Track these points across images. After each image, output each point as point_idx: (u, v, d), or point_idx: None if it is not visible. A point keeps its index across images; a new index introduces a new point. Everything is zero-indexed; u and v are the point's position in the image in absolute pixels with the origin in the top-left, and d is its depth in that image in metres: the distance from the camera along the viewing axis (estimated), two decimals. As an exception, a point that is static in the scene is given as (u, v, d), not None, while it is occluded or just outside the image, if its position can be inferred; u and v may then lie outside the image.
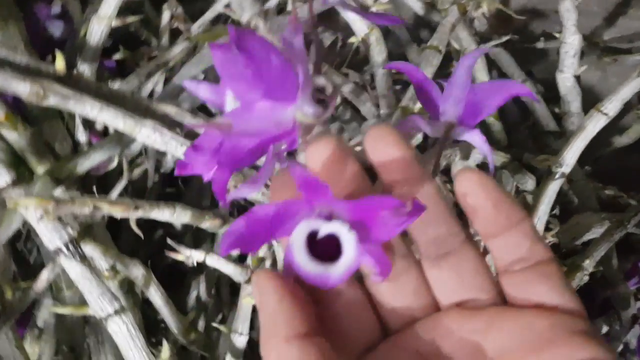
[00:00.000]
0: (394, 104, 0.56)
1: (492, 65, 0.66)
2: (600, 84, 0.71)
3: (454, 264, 0.27)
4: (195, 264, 0.58)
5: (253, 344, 0.56)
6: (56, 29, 0.55)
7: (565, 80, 0.59)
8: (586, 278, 0.53)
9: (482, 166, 0.62)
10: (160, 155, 0.58)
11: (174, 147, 0.42)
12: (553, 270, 0.27)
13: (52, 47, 0.47)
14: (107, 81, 0.51)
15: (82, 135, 0.47)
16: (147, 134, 0.41)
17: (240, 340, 0.46)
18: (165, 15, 0.58)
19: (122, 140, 0.45)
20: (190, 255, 0.39)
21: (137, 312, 0.45)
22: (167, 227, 0.61)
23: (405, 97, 0.53)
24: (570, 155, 0.45)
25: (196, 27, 0.55)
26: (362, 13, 0.46)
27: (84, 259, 0.38)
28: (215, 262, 0.40)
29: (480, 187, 0.27)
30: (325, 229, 0.26)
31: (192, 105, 0.51)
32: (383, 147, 0.27)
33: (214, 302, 0.54)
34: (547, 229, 0.48)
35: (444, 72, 0.62)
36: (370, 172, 0.30)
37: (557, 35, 0.58)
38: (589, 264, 0.52)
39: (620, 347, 0.58)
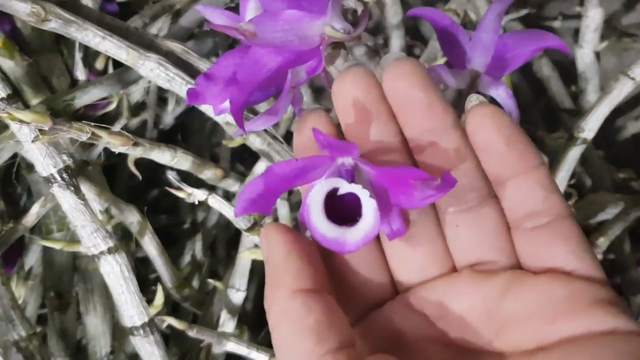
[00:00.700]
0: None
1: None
2: (617, 70, 0.70)
3: (473, 221, 0.25)
4: (196, 221, 0.56)
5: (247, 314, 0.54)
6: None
7: (584, 56, 0.58)
8: (600, 257, 0.51)
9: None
10: (159, 110, 0.55)
11: (178, 85, 0.40)
12: (570, 229, 0.24)
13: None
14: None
15: (81, 73, 0.45)
16: (150, 67, 0.39)
17: (237, 297, 0.43)
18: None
19: (123, 78, 0.43)
20: (192, 193, 0.36)
21: (131, 261, 0.42)
22: (163, 186, 0.58)
23: (420, 59, 0.51)
24: (593, 120, 0.43)
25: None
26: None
27: (78, 190, 0.35)
28: (217, 203, 0.37)
29: (492, 121, 0.24)
30: (346, 188, 0.24)
31: (200, 51, 0.48)
32: (405, 87, 0.25)
33: (209, 263, 0.51)
34: (566, 198, 0.46)
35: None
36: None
37: (578, 9, 0.57)
38: (603, 242, 0.50)
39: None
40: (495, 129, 0.24)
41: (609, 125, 0.65)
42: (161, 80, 0.39)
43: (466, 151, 0.25)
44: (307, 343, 0.22)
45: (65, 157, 0.35)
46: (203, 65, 0.42)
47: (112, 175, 0.54)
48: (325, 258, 0.26)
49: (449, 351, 0.25)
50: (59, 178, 0.35)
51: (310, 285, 0.23)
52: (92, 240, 0.36)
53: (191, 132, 0.57)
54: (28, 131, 0.33)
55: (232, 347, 0.41)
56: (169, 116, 0.55)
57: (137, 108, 0.51)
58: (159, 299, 0.39)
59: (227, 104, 0.31)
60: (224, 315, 0.43)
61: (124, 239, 0.44)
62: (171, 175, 0.42)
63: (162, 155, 0.41)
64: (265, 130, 0.44)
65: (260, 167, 0.46)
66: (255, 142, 0.43)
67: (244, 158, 0.60)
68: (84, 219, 0.36)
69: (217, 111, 0.32)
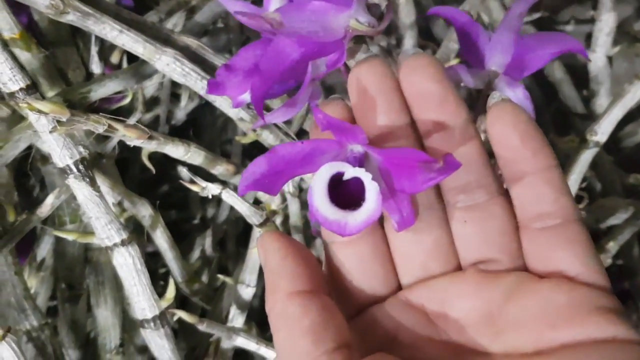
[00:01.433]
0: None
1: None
2: (628, 75, 0.70)
3: (480, 218, 0.25)
4: (206, 217, 0.56)
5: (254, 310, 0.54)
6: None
7: (597, 60, 0.58)
8: (609, 261, 0.51)
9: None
10: (172, 106, 0.56)
11: (193, 80, 0.40)
12: (578, 233, 0.24)
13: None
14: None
15: (96, 67, 0.45)
16: (166, 62, 0.39)
17: (247, 292, 0.44)
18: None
19: (138, 72, 0.43)
20: (206, 187, 0.36)
21: (143, 254, 0.43)
22: (173, 181, 0.59)
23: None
24: (607, 124, 0.43)
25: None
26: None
27: (93, 181, 0.35)
28: (230, 198, 0.37)
29: (510, 116, 0.24)
30: (350, 173, 0.24)
31: (215, 47, 0.49)
32: (420, 81, 0.25)
33: (219, 258, 0.51)
34: (577, 201, 0.46)
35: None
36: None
37: (591, 13, 0.57)
38: (612, 247, 0.50)
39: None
40: (512, 124, 0.24)
41: (620, 131, 0.65)
42: (177, 75, 0.40)
43: (478, 147, 0.25)
44: (304, 344, 0.23)
45: (81, 149, 0.35)
46: (218, 60, 0.42)
47: (123, 169, 0.54)
48: (328, 251, 0.26)
49: (446, 350, 0.25)
50: (75, 169, 0.35)
51: (306, 286, 0.24)
52: (106, 232, 0.36)
53: (203, 128, 0.57)
54: (46, 122, 0.34)
55: (242, 342, 0.41)
56: (181, 112, 0.55)
57: (150, 103, 0.52)
58: (171, 292, 0.39)
59: (245, 95, 0.31)
60: (234, 311, 0.44)
61: (135, 232, 0.44)
62: (184, 173, 0.42)
63: (175, 150, 0.41)
64: (278, 127, 0.44)
65: (273, 163, 0.46)
66: (268, 139, 0.44)
67: (255, 155, 0.60)
68: (98, 211, 0.36)
69: (235, 103, 0.32)
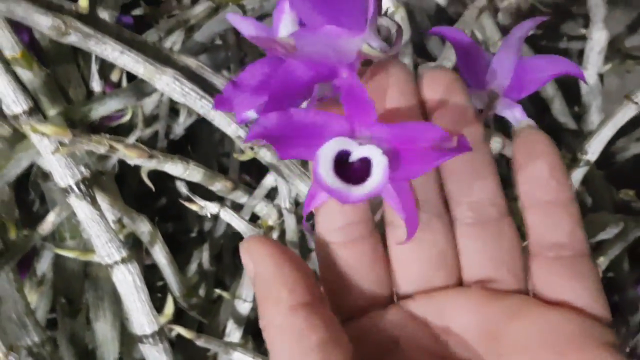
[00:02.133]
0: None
1: (512, 61, 0.65)
2: (619, 91, 0.71)
3: (489, 236, 0.26)
4: (203, 230, 0.57)
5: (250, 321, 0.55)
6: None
7: (589, 78, 0.58)
8: (599, 274, 0.52)
9: (499, 162, 0.61)
10: (171, 121, 0.56)
11: (192, 100, 0.41)
12: (589, 267, 0.25)
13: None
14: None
15: (97, 85, 0.46)
16: (167, 82, 0.40)
17: (244, 307, 0.44)
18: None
19: (139, 90, 0.44)
20: (204, 206, 0.37)
21: (142, 270, 0.43)
22: (171, 194, 0.59)
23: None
24: (597, 143, 0.44)
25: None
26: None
27: (94, 200, 0.36)
28: (228, 216, 0.38)
29: (541, 146, 0.25)
30: (358, 152, 0.24)
31: (213, 64, 0.49)
32: (444, 92, 0.25)
33: (216, 271, 0.52)
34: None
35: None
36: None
37: (583, 31, 0.58)
38: (603, 261, 0.51)
39: (627, 351, 0.56)
40: (542, 154, 0.25)
41: (611, 146, 0.66)
42: (176, 95, 0.40)
43: (492, 165, 0.25)
44: None
45: (83, 169, 0.36)
46: (217, 80, 0.43)
47: (120, 183, 0.54)
48: (323, 251, 0.26)
49: None
50: (76, 189, 0.36)
51: (308, 298, 0.23)
52: (106, 249, 0.37)
53: (200, 141, 0.58)
54: (48, 143, 0.34)
55: (239, 357, 0.42)
56: (180, 127, 0.56)
57: (150, 119, 0.52)
58: (169, 308, 0.40)
59: (250, 112, 0.32)
60: (231, 325, 0.44)
61: (134, 247, 0.45)
62: (183, 188, 0.43)
63: (175, 167, 0.42)
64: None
65: (269, 180, 0.47)
66: (266, 156, 0.44)
67: (252, 170, 0.61)
68: (99, 229, 0.37)
69: (240, 119, 0.33)
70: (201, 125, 0.58)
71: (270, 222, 0.48)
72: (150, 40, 0.46)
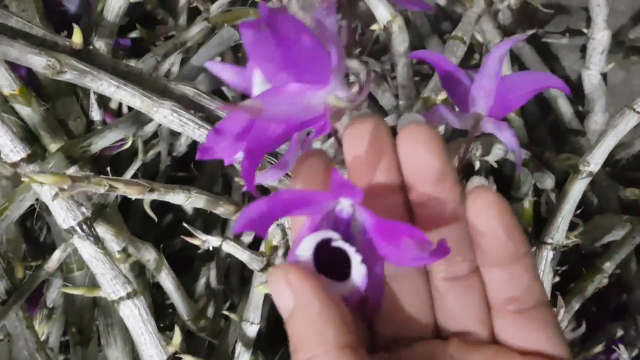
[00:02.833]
0: (414, 95, 0.55)
1: (514, 60, 0.64)
2: (624, 84, 0.70)
3: (462, 290, 0.26)
4: (209, 248, 0.57)
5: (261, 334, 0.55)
6: (72, 4, 0.54)
7: (592, 78, 0.58)
8: (605, 281, 0.52)
9: (503, 162, 0.61)
10: (173, 139, 0.57)
11: (190, 129, 0.41)
12: (550, 315, 0.26)
13: (67, 22, 0.46)
14: (122, 60, 0.50)
15: (96, 114, 0.46)
16: (164, 114, 0.40)
17: (252, 330, 0.45)
18: (184, -5, 0.56)
19: (137, 120, 0.44)
20: (206, 240, 0.38)
21: (147, 296, 0.44)
22: (177, 212, 0.60)
23: (427, 88, 0.52)
24: (599, 154, 0.44)
25: (215, 8, 0.54)
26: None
27: (97, 240, 0.37)
28: (230, 248, 0.39)
29: (495, 210, 0.25)
30: (338, 243, 0.24)
31: (210, 87, 0.49)
32: (421, 153, 0.25)
33: (223, 290, 0.53)
34: (571, 228, 0.47)
35: (465, 65, 0.61)
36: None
37: (584, 30, 0.57)
38: (609, 267, 0.51)
39: (635, 352, 0.56)
40: (498, 219, 0.25)
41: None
42: (175, 125, 0.41)
43: (465, 225, 0.26)
44: None
45: (84, 209, 0.36)
46: (215, 105, 0.43)
47: (126, 204, 0.55)
48: None
49: None
50: (79, 230, 0.36)
51: (353, 340, 0.22)
52: (111, 286, 0.38)
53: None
54: (48, 189, 0.35)
55: (249, 380, 0.43)
56: (182, 144, 0.56)
57: (151, 137, 0.53)
58: (177, 338, 0.41)
59: (237, 156, 0.32)
60: (239, 348, 0.45)
61: (141, 275, 0.46)
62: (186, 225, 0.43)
63: (177, 197, 0.42)
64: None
65: (272, 202, 0.47)
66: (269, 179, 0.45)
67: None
68: (103, 267, 0.37)
69: (227, 162, 0.33)
70: (203, 141, 0.58)
71: (275, 242, 0.48)
72: (146, 68, 0.46)
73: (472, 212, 0.25)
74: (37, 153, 0.37)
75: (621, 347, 0.47)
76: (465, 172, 0.54)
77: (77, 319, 0.44)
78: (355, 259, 0.24)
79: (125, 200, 0.49)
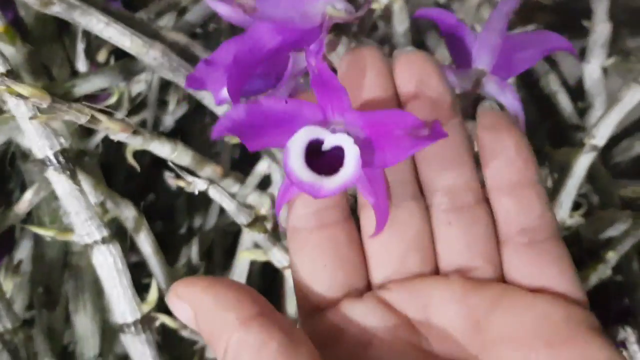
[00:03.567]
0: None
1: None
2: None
3: (465, 223, 0.25)
4: (192, 227, 0.54)
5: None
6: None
7: (592, 72, 0.57)
8: (608, 272, 0.50)
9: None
10: (160, 112, 0.54)
11: (181, 76, 0.39)
12: (562, 250, 0.24)
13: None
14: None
15: (82, 65, 0.44)
16: (154, 56, 0.38)
17: (234, 299, 0.42)
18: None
19: (125, 69, 0.42)
20: (192, 182, 0.35)
21: (126, 254, 0.41)
22: (160, 189, 0.57)
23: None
24: (604, 128, 0.43)
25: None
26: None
27: (74, 174, 0.34)
28: (217, 194, 0.36)
29: (505, 125, 0.24)
30: (330, 140, 0.23)
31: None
32: (418, 74, 0.24)
33: (206, 266, 0.49)
34: (575, 208, 0.45)
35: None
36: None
37: (585, 24, 0.56)
38: (612, 257, 0.49)
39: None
40: (507, 133, 0.24)
41: (615, 146, 0.64)
42: (165, 70, 0.39)
43: (468, 150, 0.25)
44: None
45: (62, 140, 0.34)
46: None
47: (107, 179, 0.52)
48: (295, 238, 0.25)
49: (428, 359, 0.23)
50: (54, 160, 0.33)
51: (257, 310, 0.22)
52: (85, 228, 0.35)
53: (191, 136, 0.56)
54: (26, 109, 0.32)
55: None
56: (169, 118, 0.54)
57: (137, 106, 0.50)
58: (153, 294, 0.37)
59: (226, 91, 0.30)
60: (220, 318, 0.42)
61: (118, 237, 0.43)
62: (170, 170, 0.40)
63: (162, 148, 0.39)
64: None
65: (263, 166, 0.45)
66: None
67: (243, 168, 0.58)
68: (78, 205, 0.34)
69: (218, 99, 0.31)
70: (193, 118, 0.56)
71: (263, 211, 0.45)
72: (138, 17, 0.44)
73: (481, 130, 0.25)
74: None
75: (636, 346, 0.44)
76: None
77: (45, 278, 0.41)
78: (347, 142, 0.23)
79: (104, 174, 0.46)
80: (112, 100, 0.43)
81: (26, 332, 0.37)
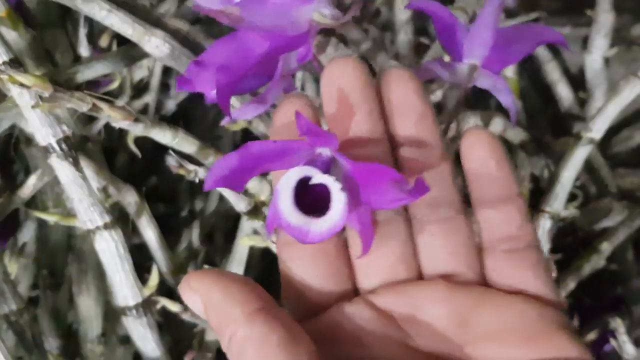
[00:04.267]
0: (414, 65, 0.54)
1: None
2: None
3: (447, 233, 0.26)
4: (194, 211, 0.55)
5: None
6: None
7: (594, 62, 0.57)
8: (602, 262, 0.50)
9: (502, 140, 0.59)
10: (162, 96, 0.55)
11: (183, 64, 0.39)
12: (539, 258, 0.27)
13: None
14: None
15: (84, 50, 0.44)
16: (156, 44, 0.38)
17: (233, 284, 0.42)
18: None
19: (127, 55, 0.42)
20: (194, 170, 0.36)
21: (128, 240, 0.41)
22: (162, 173, 0.58)
23: (426, 56, 0.51)
24: (602, 120, 0.43)
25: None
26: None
27: (76, 161, 0.34)
28: (218, 184, 0.37)
29: (487, 144, 0.26)
30: (318, 178, 0.23)
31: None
32: (403, 93, 0.26)
33: (206, 250, 0.50)
34: (571, 199, 0.45)
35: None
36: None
37: (588, 12, 0.56)
38: (606, 248, 0.50)
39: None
40: (489, 151, 0.26)
41: (614, 136, 0.64)
42: (166, 58, 0.39)
43: (448, 165, 0.26)
44: None
45: (65, 127, 0.34)
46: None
47: (109, 162, 0.53)
48: (286, 247, 0.26)
49: (415, 356, 0.25)
50: (57, 148, 0.34)
51: (262, 304, 0.23)
52: (88, 214, 0.36)
53: (193, 121, 0.57)
54: (28, 97, 0.33)
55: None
56: (171, 102, 0.54)
57: (139, 90, 0.51)
58: (154, 279, 0.38)
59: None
60: (219, 302, 0.42)
61: (120, 220, 0.43)
62: (172, 154, 0.41)
63: (163, 135, 0.40)
64: (269, 115, 0.43)
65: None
66: (259, 127, 0.43)
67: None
68: (81, 192, 0.35)
69: (209, 99, 0.32)
70: (195, 103, 0.57)
71: (263, 198, 0.46)
72: (140, 4, 0.44)
73: (465, 148, 0.26)
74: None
75: (625, 337, 0.45)
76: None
77: (49, 261, 0.42)
78: (335, 187, 0.23)
79: (106, 160, 0.47)
80: (114, 85, 0.43)
81: (31, 313, 0.38)
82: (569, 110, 0.60)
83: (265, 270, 0.50)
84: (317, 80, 0.58)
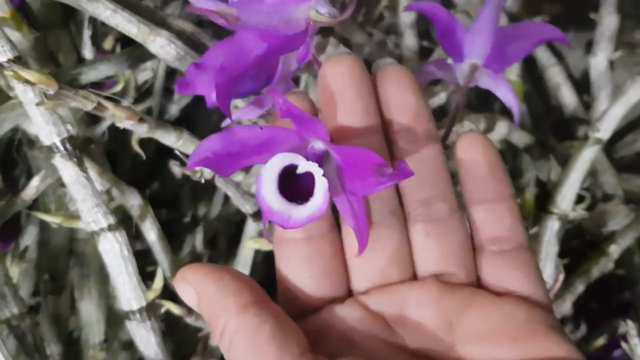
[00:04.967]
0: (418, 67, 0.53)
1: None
2: (627, 84, 0.69)
3: (441, 233, 0.26)
4: (196, 217, 0.54)
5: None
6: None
7: (598, 65, 0.57)
8: (611, 265, 0.50)
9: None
10: (165, 101, 0.54)
11: (187, 64, 0.39)
12: (529, 258, 0.27)
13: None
14: None
15: (88, 52, 0.44)
16: (161, 44, 0.38)
17: (239, 287, 0.42)
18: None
19: (131, 56, 0.42)
20: (199, 170, 0.35)
21: (131, 242, 0.41)
22: (163, 181, 0.57)
23: (430, 59, 0.51)
24: (609, 120, 0.42)
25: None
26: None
27: (80, 161, 0.34)
28: (223, 184, 0.36)
29: (481, 147, 0.26)
30: (303, 166, 0.24)
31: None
32: (399, 90, 0.26)
33: (209, 255, 0.50)
34: (578, 201, 0.45)
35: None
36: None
37: (592, 16, 0.56)
38: (615, 250, 0.49)
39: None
40: (482, 154, 0.26)
41: (619, 140, 0.64)
42: (171, 58, 0.38)
43: (443, 164, 0.27)
44: (270, 352, 0.22)
45: (69, 127, 0.34)
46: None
47: (113, 165, 0.52)
48: (282, 248, 0.26)
49: (404, 356, 0.25)
50: (61, 147, 0.34)
51: (254, 297, 0.24)
52: (92, 215, 0.35)
53: (196, 125, 0.56)
54: (33, 95, 0.32)
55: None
56: (175, 106, 0.54)
57: (143, 95, 0.50)
58: (158, 282, 0.38)
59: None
60: (224, 306, 0.42)
61: (123, 223, 0.43)
62: (174, 160, 0.41)
63: (167, 136, 0.39)
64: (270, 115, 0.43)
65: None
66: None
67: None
68: (85, 193, 0.35)
69: (210, 102, 0.31)
70: (198, 106, 0.56)
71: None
72: (145, 4, 0.44)
73: (459, 149, 0.27)
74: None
75: (637, 340, 0.44)
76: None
77: (51, 265, 0.41)
78: (317, 173, 0.23)
79: (110, 163, 0.46)
80: (118, 88, 0.43)
81: (32, 317, 0.37)
82: (573, 113, 0.60)
83: (270, 273, 0.49)
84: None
